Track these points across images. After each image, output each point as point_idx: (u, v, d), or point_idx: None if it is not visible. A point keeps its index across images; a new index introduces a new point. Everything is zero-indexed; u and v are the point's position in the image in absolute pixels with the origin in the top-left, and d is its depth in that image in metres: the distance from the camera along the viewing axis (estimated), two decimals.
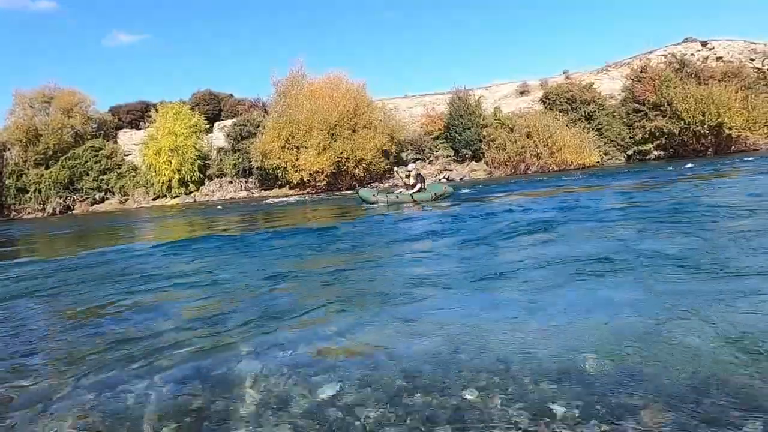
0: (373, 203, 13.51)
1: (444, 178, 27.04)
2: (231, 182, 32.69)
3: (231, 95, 39.63)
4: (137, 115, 38.51)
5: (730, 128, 25.78)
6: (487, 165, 29.94)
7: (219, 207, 22.89)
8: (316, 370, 2.75)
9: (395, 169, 14.79)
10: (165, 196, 32.35)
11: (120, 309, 4.34)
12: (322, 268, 5.50)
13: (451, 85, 32.52)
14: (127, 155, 35.25)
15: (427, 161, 31.05)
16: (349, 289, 4.50)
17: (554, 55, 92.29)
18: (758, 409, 1.98)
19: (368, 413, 2.25)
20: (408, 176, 14.63)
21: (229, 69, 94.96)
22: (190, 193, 32.50)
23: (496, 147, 28.82)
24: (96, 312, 4.34)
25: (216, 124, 35.74)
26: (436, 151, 31.03)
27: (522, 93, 33.92)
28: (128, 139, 36.51)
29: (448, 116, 30.80)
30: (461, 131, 29.81)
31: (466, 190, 17.61)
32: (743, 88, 27.05)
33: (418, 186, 13.87)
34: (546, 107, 30.79)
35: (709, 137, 26.64)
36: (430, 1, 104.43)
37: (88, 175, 33.59)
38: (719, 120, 25.64)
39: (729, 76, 28.03)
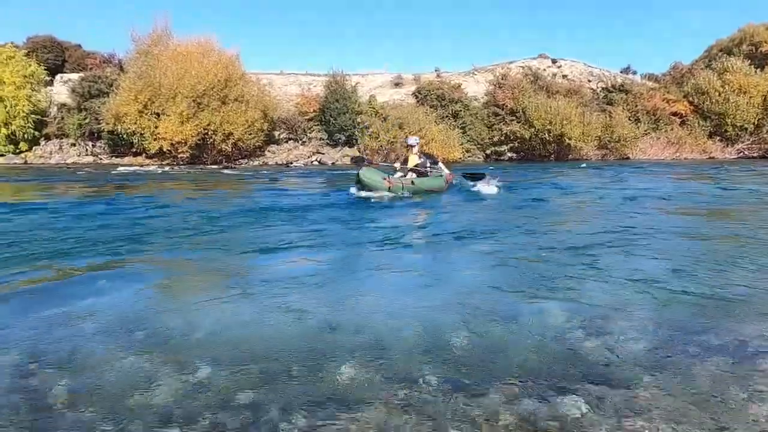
0: (381, 190, 9.13)
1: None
2: (74, 145, 28.72)
3: (79, 46, 34.77)
4: None
5: (570, 138, 29.48)
6: (359, 152, 30.39)
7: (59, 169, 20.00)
8: (187, 350, 2.57)
9: (408, 140, 10.43)
10: None
11: None
12: (199, 245, 5.15)
13: (329, 68, 32.20)
14: None
15: (300, 143, 30.59)
16: (228, 268, 4.28)
17: (428, 52, 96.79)
18: (598, 379, 2.32)
19: (243, 396, 2.17)
20: (405, 159, 10.43)
21: (78, 16, 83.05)
22: (20, 152, 27.91)
23: (369, 135, 29.39)
24: None
25: (58, 77, 31.06)
26: (310, 133, 30.68)
27: (396, 85, 34.98)
28: None
29: (323, 99, 30.56)
30: (336, 115, 29.83)
31: None
32: (581, 104, 31.14)
33: (433, 169, 10.17)
34: (418, 101, 32.15)
35: (553, 144, 30.17)
36: None
37: None
38: (562, 130, 29.20)
39: (571, 93, 32.14)
